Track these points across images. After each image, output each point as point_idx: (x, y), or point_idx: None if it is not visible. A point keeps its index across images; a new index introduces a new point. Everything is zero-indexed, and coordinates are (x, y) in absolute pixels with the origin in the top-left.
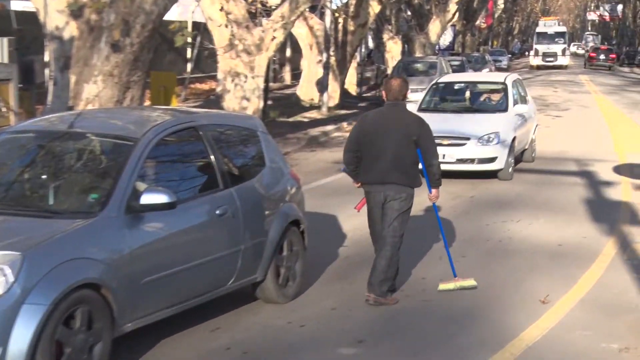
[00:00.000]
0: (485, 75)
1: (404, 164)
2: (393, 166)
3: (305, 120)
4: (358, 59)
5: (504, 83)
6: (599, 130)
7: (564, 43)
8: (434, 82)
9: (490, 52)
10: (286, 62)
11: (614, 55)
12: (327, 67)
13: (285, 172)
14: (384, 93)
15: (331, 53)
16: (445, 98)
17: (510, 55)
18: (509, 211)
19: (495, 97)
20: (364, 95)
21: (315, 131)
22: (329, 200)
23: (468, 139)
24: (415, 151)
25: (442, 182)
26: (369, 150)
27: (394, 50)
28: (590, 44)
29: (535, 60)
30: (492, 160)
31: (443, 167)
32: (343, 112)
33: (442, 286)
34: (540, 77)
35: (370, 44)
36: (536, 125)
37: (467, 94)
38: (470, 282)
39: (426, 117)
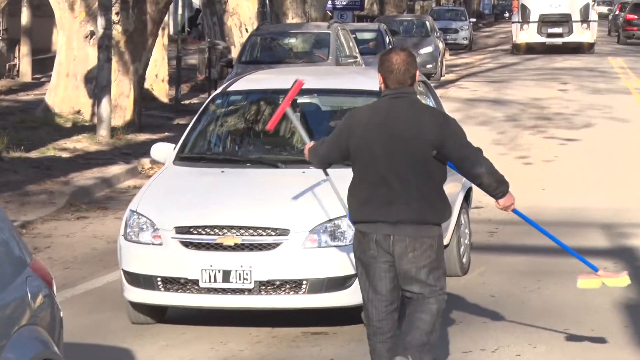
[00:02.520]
0: (343, 78)
1: (424, 189)
2: (406, 194)
3: (65, 155)
4: (171, 29)
5: (379, 94)
6: None
7: None
8: (217, 91)
9: (437, 14)
10: (22, 38)
11: None
12: (106, 46)
13: (19, 262)
14: (380, 77)
15: (114, 17)
16: (242, 132)
17: (474, 20)
18: (477, 330)
19: None
20: (185, 102)
21: (85, 178)
22: (119, 318)
23: (286, 232)
24: (440, 167)
25: (507, 182)
26: (365, 168)
27: (243, 11)
28: None
29: (524, 35)
30: (341, 283)
31: (220, 301)
32: (143, 137)
33: (582, 282)
34: (536, 63)
35: None
36: (468, 190)
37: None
38: (622, 279)
39: (196, 176)
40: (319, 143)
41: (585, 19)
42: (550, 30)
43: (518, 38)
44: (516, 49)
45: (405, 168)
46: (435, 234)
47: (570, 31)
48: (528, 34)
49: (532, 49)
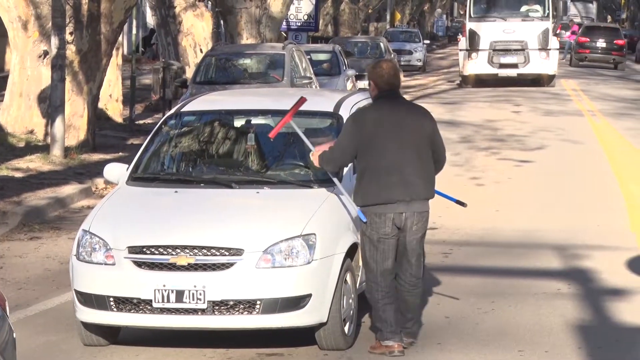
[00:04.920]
0: (286, 99)
1: (427, 170)
2: (417, 175)
3: (18, 175)
4: (125, 49)
5: (334, 115)
6: (600, 189)
7: (545, 17)
8: (171, 112)
9: (391, 35)
10: None
11: (622, 42)
12: (60, 65)
13: None
14: (372, 83)
15: (68, 37)
16: (196, 153)
17: (427, 42)
18: (431, 352)
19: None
20: (139, 122)
21: (38, 198)
22: (72, 339)
23: (240, 252)
24: (431, 152)
25: None
26: (378, 158)
27: (197, 32)
28: (577, 18)
29: (473, 65)
30: (295, 303)
31: (174, 321)
32: (97, 157)
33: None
34: (488, 86)
35: (150, 19)
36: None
37: (250, 139)
38: None
39: (149, 196)
40: (329, 150)
41: (544, 47)
42: (504, 60)
43: (466, 69)
44: (464, 82)
45: (412, 154)
46: (429, 208)
47: (527, 61)
48: (477, 64)
49: (482, 82)
